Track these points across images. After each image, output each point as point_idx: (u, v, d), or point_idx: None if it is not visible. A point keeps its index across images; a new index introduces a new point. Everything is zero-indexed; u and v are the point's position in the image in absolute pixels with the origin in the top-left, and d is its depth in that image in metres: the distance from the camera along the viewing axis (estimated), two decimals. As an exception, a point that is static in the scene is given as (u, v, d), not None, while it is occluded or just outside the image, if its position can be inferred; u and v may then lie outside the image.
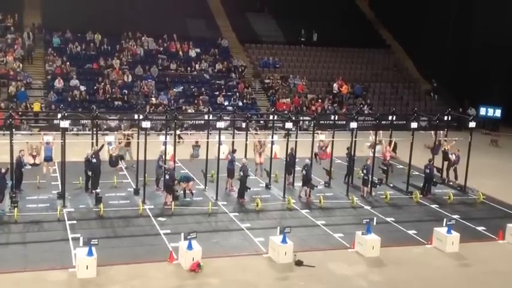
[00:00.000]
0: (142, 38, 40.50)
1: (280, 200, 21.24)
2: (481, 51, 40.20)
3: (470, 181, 23.50)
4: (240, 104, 37.25)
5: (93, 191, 20.03)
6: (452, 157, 24.07)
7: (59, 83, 35.21)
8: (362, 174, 22.42)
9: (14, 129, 19.42)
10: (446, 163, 24.66)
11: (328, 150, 23.50)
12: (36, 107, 32.94)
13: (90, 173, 20.60)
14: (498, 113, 39.48)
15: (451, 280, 15.69)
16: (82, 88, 35.25)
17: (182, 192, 20.77)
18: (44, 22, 40.02)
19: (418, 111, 26.40)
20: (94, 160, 20.38)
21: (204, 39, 42.77)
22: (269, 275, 15.16)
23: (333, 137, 23.45)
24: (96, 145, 21.24)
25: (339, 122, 27.25)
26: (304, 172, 21.32)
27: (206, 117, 27.51)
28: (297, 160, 22.99)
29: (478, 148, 24.95)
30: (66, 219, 18.17)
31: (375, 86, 43.05)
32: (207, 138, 22.43)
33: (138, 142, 21.26)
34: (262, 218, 19.53)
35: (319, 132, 25.05)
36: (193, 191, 20.91)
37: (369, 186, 22.29)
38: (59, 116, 20.20)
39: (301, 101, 38.92)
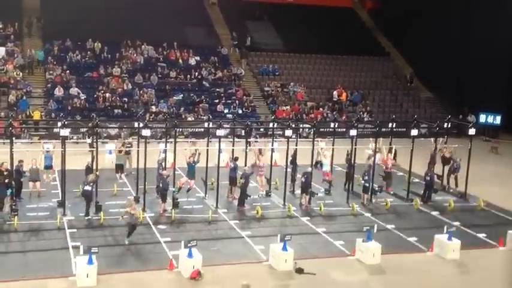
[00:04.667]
0: (142, 46, 40.60)
1: (280, 208, 21.22)
2: (481, 58, 40.25)
3: (471, 188, 23.49)
4: (240, 111, 37.29)
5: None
6: (454, 158, 24.08)
7: (58, 92, 35.26)
8: (362, 182, 22.40)
9: (14, 138, 19.40)
10: (446, 170, 24.65)
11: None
12: (36, 115, 32.96)
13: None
14: (498, 119, 39.48)
15: (452, 287, 15.64)
16: (82, 96, 35.29)
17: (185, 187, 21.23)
18: (43, 30, 40.14)
19: (418, 118, 26.42)
20: (88, 188, 19.28)
21: (204, 47, 42.87)
22: (269, 282, 15.13)
23: (333, 145, 23.46)
24: (97, 154, 21.08)
25: (339, 130, 27.25)
26: (303, 179, 21.33)
27: (206, 125, 27.55)
28: (299, 168, 23.04)
29: (478, 155, 24.97)
30: (66, 227, 18.15)
31: (374, 93, 43.12)
32: (207, 146, 22.43)
33: (138, 150, 21.26)
34: (263, 225, 19.51)
35: (319, 139, 25.08)
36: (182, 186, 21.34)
37: (369, 193, 22.27)
38: (59, 124, 20.21)
39: (301, 109, 38.96)
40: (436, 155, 24.62)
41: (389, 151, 24.63)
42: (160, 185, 19.98)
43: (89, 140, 27.71)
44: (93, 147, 26.83)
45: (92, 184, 19.27)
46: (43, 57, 37.55)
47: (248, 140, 23.86)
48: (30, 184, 20.37)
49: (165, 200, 19.87)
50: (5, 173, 19.29)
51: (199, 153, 21.99)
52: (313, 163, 23.03)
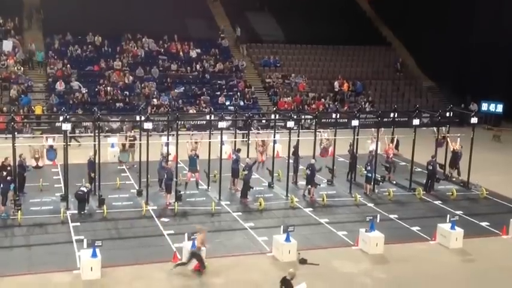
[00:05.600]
0: (143, 39, 40.49)
1: (283, 199, 21.25)
2: (483, 47, 40.08)
3: (473, 177, 23.48)
4: (242, 103, 37.25)
5: (96, 193, 20.03)
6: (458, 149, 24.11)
7: (60, 86, 35.24)
8: (365, 172, 22.40)
9: (16, 133, 19.41)
10: (449, 159, 24.60)
11: (330, 148, 23.52)
12: (38, 109, 32.96)
13: (92, 175, 20.59)
14: (500, 108, 39.39)
15: (456, 276, 15.69)
16: (83, 90, 35.27)
17: (190, 181, 21.30)
18: (44, 25, 40.10)
19: (420, 107, 26.39)
20: (84, 189, 19.28)
21: (205, 39, 42.76)
22: (273, 273, 15.14)
23: (335, 135, 23.45)
24: (99, 148, 20.98)
25: (341, 120, 27.26)
26: (308, 171, 21.33)
27: (208, 117, 27.57)
28: (301, 159, 23.08)
29: (480, 144, 24.90)
30: (69, 221, 18.21)
31: (376, 83, 43.01)
32: (209, 139, 22.43)
33: (140, 143, 21.28)
34: (266, 217, 19.54)
35: (321, 130, 25.07)
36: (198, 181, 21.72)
37: (372, 183, 22.28)
38: (61, 118, 20.21)
39: (303, 100, 38.91)
40: (442, 142, 24.60)
41: (391, 141, 24.64)
42: (165, 176, 20.03)
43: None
44: (79, 141, 26.86)
45: (87, 188, 19.27)
46: (42, 58, 37.36)
47: (250, 131, 23.90)
48: (32, 160, 20.44)
49: (170, 191, 19.92)
50: (8, 168, 19.35)
51: (198, 145, 21.96)
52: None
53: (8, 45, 36.66)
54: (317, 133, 23.66)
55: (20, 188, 19.84)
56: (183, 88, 37.84)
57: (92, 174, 20.61)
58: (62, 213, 18.41)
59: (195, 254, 14.79)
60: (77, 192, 19.04)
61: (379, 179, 22.75)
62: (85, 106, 33.96)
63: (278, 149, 24.82)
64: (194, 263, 14.86)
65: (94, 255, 14.49)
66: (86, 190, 19.11)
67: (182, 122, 30.88)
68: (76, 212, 18.94)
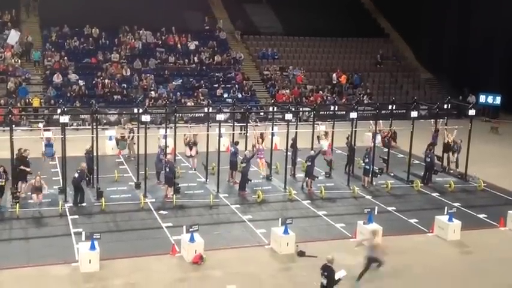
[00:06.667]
0: (140, 32, 40.38)
1: (281, 192, 21.27)
2: (481, 39, 40.05)
3: (471, 169, 23.51)
4: (240, 96, 37.20)
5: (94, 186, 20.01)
6: (455, 147, 24.06)
7: (57, 78, 35.15)
8: (363, 164, 22.42)
9: (13, 125, 19.36)
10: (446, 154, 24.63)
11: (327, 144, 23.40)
12: (36, 102, 32.90)
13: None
14: (498, 100, 39.39)
15: (453, 268, 15.74)
16: (81, 83, 35.19)
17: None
18: (41, 17, 39.93)
19: (418, 100, 26.38)
20: (76, 175, 19.23)
21: (202, 31, 42.64)
22: (271, 266, 15.21)
23: (333, 128, 23.45)
24: (97, 141, 20.91)
25: (339, 112, 27.25)
26: (309, 163, 21.34)
27: (206, 110, 27.56)
28: (299, 151, 23.08)
29: (478, 136, 24.96)
30: (68, 214, 18.22)
31: (374, 75, 42.98)
32: (207, 131, 22.42)
33: (138, 136, 21.26)
34: (264, 209, 19.57)
35: (319, 123, 25.07)
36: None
37: (370, 175, 22.30)
38: (59, 111, 20.18)
39: (301, 92, 38.87)
40: (437, 136, 24.62)
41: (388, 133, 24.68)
42: (167, 169, 20.00)
43: (41, 125, 27.47)
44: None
45: (79, 171, 19.15)
46: (39, 57, 37.13)
47: (248, 123, 23.87)
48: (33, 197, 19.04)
49: (171, 185, 19.92)
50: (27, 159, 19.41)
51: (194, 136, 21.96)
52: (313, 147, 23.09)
53: (14, 37, 36.23)
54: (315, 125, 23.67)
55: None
56: (181, 80, 37.78)
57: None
58: (60, 206, 18.40)
59: (371, 259, 14.33)
60: (73, 178, 19.05)
61: (377, 171, 22.78)
62: (82, 99, 33.90)
63: (276, 141, 24.81)
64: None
65: (92, 247, 14.51)
66: (77, 175, 18.94)
67: (180, 115, 30.90)
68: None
